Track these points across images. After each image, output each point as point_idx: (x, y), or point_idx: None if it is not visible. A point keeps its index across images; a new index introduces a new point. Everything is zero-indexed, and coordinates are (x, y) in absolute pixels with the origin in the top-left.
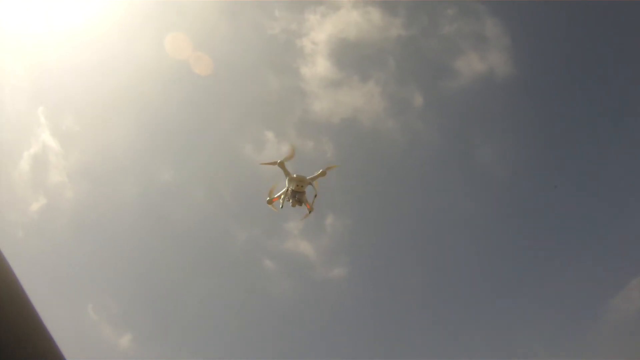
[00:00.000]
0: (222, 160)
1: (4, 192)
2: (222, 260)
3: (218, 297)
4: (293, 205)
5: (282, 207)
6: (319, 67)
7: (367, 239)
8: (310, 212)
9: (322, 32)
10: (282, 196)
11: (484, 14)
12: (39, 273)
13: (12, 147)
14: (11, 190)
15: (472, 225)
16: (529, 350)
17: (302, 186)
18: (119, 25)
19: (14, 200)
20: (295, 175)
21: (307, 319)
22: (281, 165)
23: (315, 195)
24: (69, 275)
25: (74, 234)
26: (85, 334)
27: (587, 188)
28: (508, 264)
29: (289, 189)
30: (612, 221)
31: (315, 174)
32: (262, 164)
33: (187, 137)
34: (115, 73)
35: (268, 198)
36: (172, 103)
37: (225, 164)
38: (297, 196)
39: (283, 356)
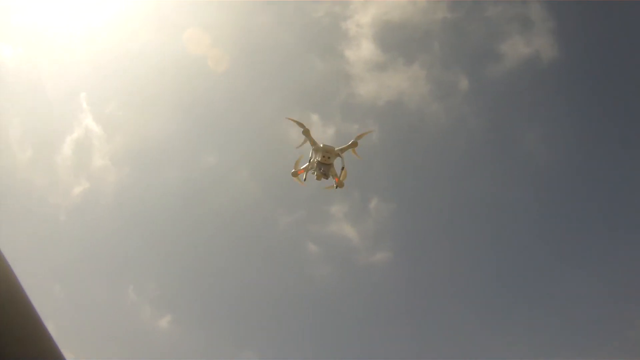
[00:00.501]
0: (266, 144)
1: (46, 176)
2: (265, 244)
3: (260, 281)
4: (318, 178)
5: (305, 179)
6: (363, 50)
7: (411, 223)
8: (336, 187)
9: (366, 14)
10: (307, 171)
11: None
12: (81, 256)
13: (55, 132)
14: (54, 174)
15: (512, 213)
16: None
17: (329, 157)
18: (158, 10)
19: (56, 184)
20: (322, 145)
21: (349, 303)
22: (306, 133)
23: (343, 168)
24: (111, 257)
25: (116, 218)
26: (124, 315)
27: (630, 184)
28: (551, 253)
29: (315, 159)
30: None
31: (346, 145)
32: (289, 118)
33: (230, 121)
34: (157, 59)
35: (293, 170)
36: (216, 87)
37: (269, 148)
38: (322, 168)
39: (325, 342)
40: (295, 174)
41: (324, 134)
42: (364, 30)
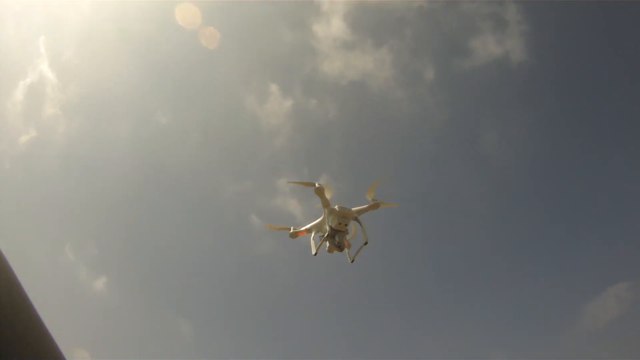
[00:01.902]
0: (222, 108)
1: None
2: (209, 211)
3: (200, 248)
4: (330, 251)
5: (316, 253)
6: (333, 27)
7: (358, 205)
8: (353, 258)
9: None
10: (314, 233)
11: None
12: (22, 207)
13: (9, 75)
14: (3, 119)
15: (465, 210)
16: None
17: (345, 224)
18: None
19: (4, 130)
20: (337, 207)
21: (284, 277)
22: (320, 192)
23: (366, 243)
24: (51, 211)
25: (61, 170)
26: (59, 274)
27: (582, 189)
28: (492, 254)
29: (327, 224)
30: (604, 222)
31: (365, 206)
32: (292, 182)
33: (188, 81)
34: (121, 10)
35: (292, 230)
36: (177, 46)
37: (224, 113)
38: (337, 237)
39: (259, 313)
40: (294, 235)
41: (282, 106)
42: (337, 7)
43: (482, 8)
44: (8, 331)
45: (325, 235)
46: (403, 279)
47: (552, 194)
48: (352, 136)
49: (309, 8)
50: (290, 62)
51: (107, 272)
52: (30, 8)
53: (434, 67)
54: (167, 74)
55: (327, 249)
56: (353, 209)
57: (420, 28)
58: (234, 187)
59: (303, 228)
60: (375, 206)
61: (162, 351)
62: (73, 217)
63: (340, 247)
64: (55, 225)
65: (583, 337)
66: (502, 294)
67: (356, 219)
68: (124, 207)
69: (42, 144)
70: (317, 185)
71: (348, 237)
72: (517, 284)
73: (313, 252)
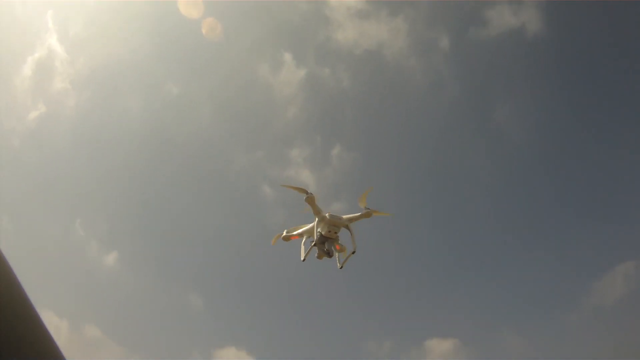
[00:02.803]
0: (234, 77)
1: (3, 97)
2: (220, 183)
3: (211, 220)
4: (319, 257)
5: (304, 259)
6: None
7: (373, 176)
8: (341, 265)
9: None
10: (305, 238)
11: None
12: (32, 183)
13: (16, 51)
14: (11, 95)
15: (475, 184)
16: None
17: (335, 232)
18: None
19: (13, 106)
20: (328, 215)
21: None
22: (310, 200)
23: (354, 252)
24: (61, 187)
25: (71, 145)
26: (70, 250)
27: (594, 165)
28: (501, 230)
29: (317, 230)
30: (615, 199)
31: (357, 214)
32: (285, 186)
33: (199, 51)
34: None
35: (285, 233)
36: (189, 16)
37: (237, 82)
38: (327, 244)
39: (271, 289)
40: (287, 239)
41: (296, 75)
42: None
43: None
44: (8, 331)
45: (313, 243)
46: (410, 254)
47: (564, 169)
48: (366, 105)
49: None
50: (304, 31)
51: (118, 247)
52: None
53: (449, 37)
54: (178, 44)
55: (316, 255)
56: (344, 216)
57: None
58: (246, 158)
59: (295, 232)
60: (367, 214)
61: (173, 326)
62: (84, 192)
63: (329, 254)
64: (66, 201)
65: (590, 315)
66: (510, 271)
67: (347, 227)
68: (134, 181)
69: (51, 120)
70: (308, 194)
71: (339, 242)
72: (526, 261)
73: (302, 258)
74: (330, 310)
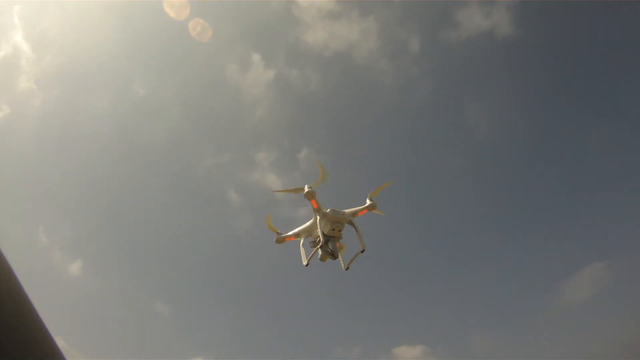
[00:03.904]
0: (202, 78)
1: None
2: (186, 186)
3: (178, 226)
4: (323, 259)
5: (307, 264)
6: None
7: (341, 178)
8: (347, 265)
9: None
10: (303, 238)
11: None
12: None
13: None
14: None
15: (447, 181)
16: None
17: (339, 229)
18: None
19: None
20: (329, 211)
21: (264, 256)
22: (311, 195)
23: (363, 251)
24: (24, 191)
25: (36, 147)
26: (33, 257)
27: (564, 164)
28: (470, 229)
29: (318, 229)
30: (584, 198)
31: (360, 207)
32: (276, 191)
33: (167, 51)
34: None
35: (278, 235)
36: (155, 15)
37: (205, 83)
38: (330, 244)
39: (239, 295)
40: (281, 240)
41: (265, 76)
42: None
43: None
44: (8, 331)
45: (318, 245)
46: (383, 253)
47: (533, 169)
48: (335, 107)
49: None
50: (273, 31)
51: (83, 255)
52: None
53: (419, 39)
54: (146, 44)
55: (319, 257)
56: (346, 210)
57: None
58: (213, 161)
59: (291, 232)
60: (371, 207)
61: (139, 335)
62: (47, 196)
63: (334, 255)
64: (29, 206)
65: (558, 315)
66: (478, 274)
67: (351, 223)
68: (100, 185)
69: (15, 120)
70: (306, 188)
71: (341, 241)
72: (494, 263)
73: (304, 263)
74: (298, 317)
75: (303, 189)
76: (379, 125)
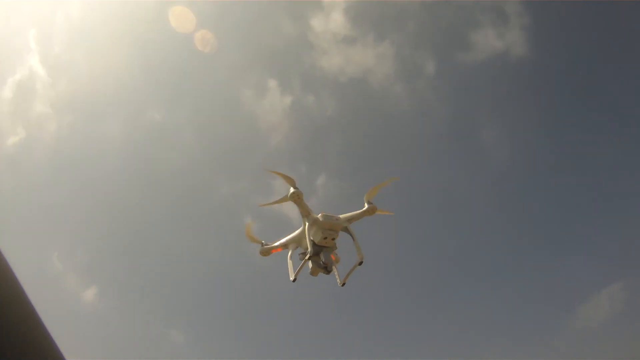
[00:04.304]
0: (218, 104)
1: None
2: (202, 213)
3: (193, 252)
4: (314, 274)
5: (295, 279)
6: (333, 22)
7: (360, 206)
8: (343, 281)
9: None
10: (291, 250)
11: None
12: (8, 212)
13: None
14: None
15: (464, 207)
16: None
17: (333, 237)
18: None
19: None
20: (321, 217)
21: (281, 287)
22: (298, 198)
23: (361, 263)
24: (39, 217)
25: (51, 172)
26: (46, 283)
27: (581, 187)
28: (488, 253)
29: (308, 238)
30: (599, 223)
31: (356, 212)
32: (269, 171)
33: (183, 77)
34: (115, 2)
35: (264, 246)
36: (171, 40)
37: (219, 111)
38: (323, 256)
39: (254, 322)
40: (266, 251)
41: (282, 102)
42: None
43: (483, 0)
44: (8, 331)
45: (307, 256)
46: (397, 277)
47: (549, 192)
48: (352, 134)
49: (309, 1)
50: (289, 57)
51: (97, 281)
52: (19, 0)
53: (434, 62)
54: (161, 70)
55: (309, 271)
56: (341, 216)
57: (422, 21)
58: (229, 188)
59: (277, 243)
60: (370, 211)
61: None
62: (62, 222)
63: (327, 269)
64: (43, 231)
65: (576, 338)
66: (495, 296)
67: (347, 230)
68: (115, 211)
69: (30, 145)
70: (292, 190)
71: (335, 251)
72: (512, 283)
73: (291, 278)
74: (320, 345)
75: (294, 184)
76: (395, 150)
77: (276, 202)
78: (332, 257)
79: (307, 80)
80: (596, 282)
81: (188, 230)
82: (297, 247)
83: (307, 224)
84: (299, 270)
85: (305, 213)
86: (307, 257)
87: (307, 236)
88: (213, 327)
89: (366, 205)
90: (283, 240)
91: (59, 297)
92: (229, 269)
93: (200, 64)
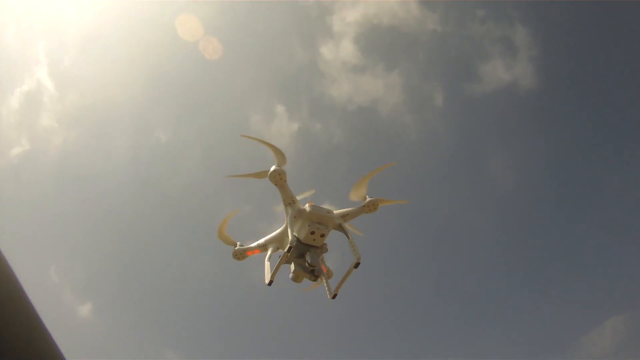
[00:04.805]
0: (226, 128)
1: None
2: (205, 235)
3: (193, 274)
4: (297, 280)
5: (270, 282)
6: (343, 50)
7: (367, 234)
8: (333, 295)
9: (355, 12)
10: (270, 251)
11: (515, 20)
12: (8, 223)
13: (4, 81)
14: None
15: (470, 236)
16: None
17: (322, 233)
18: None
19: None
20: (308, 207)
21: (281, 310)
22: (279, 178)
23: (357, 265)
24: (38, 230)
25: (53, 187)
26: (42, 296)
27: (586, 219)
28: (493, 282)
29: (292, 233)
30: (606, 252)
31: (354, 208)
32: (230, 176)
33: (191, 97)
34: (125, 19)
35: (237, 247)
36: (181, 60)
37: (226, 134)
38: (309, 256)
39: (247, 344)
40: (241, 255)
41: (289, 129)
42: (350, 28)
43: (492, 31)
44: (8, 331)
45: (287, 248)
46: (401, 304)
47: (555, 222)
48: (359, 162)
49: (320, 29)
50: (298, 83)
51: (93, 298)
52: (31, 11)
53: (443, 92)
54: (170, 89)
55: (290, 275)
56: (336, 211)
57: (432, 52)
58: (232, 210)
59: (254, 244)
60: (371, 206)
61: None
62: (61, 237)
63: (314, 273)
64: (42, 244)
65: None
66: (498, 326)
67: (340, 228)
68: (116, 229)
69: (34, 157)
70: (273, 167)
71: (325, 257)
72: (515, 314)
73: (266, 280)
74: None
75: (267, 173)
76: (402, 180)
77: (250, 175)
78: (323, 267)
79: (315, 107)
80: (599, 314)
81: (190, 251)
82: (277, 249)
83: (289, 214)
84: (275, 270)
85: (289, 201)
86: (286, 250)
87: (289, 228)
88: (208, 347)
89: (368, 198)
90: (261, 240)
91: (54, 310)
92: (228, 290)
93: (209, 84)
